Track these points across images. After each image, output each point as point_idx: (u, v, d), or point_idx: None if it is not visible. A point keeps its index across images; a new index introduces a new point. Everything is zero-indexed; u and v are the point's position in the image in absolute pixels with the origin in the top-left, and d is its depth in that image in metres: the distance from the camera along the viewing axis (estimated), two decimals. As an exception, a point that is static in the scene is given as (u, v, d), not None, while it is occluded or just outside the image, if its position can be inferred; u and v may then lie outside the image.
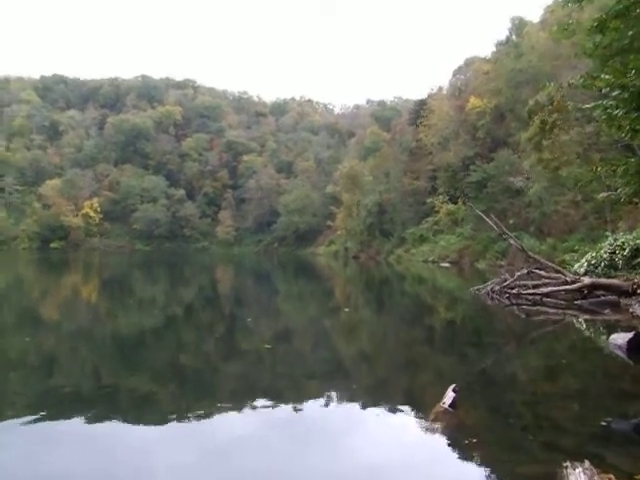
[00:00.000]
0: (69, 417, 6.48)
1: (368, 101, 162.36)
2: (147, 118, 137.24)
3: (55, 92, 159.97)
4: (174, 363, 9.68)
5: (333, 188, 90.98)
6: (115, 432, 6.08)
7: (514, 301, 17.93)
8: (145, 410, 6.92)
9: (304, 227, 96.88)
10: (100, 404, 7.05)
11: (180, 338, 12.38)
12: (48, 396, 7.32)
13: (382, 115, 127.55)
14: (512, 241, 21.86)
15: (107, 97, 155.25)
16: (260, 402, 7.13)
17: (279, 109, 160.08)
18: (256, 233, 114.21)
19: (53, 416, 6.49)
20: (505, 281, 19.51)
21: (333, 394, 7.64)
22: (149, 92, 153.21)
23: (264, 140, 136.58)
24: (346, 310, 17.55)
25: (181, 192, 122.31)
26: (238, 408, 6.97)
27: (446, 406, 6.55)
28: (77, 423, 6.28)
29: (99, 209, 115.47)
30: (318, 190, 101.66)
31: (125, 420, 6.49)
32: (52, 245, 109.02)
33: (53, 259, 61.68)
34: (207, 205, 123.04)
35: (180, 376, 8.72)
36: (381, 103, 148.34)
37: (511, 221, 38.76)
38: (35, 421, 6.24)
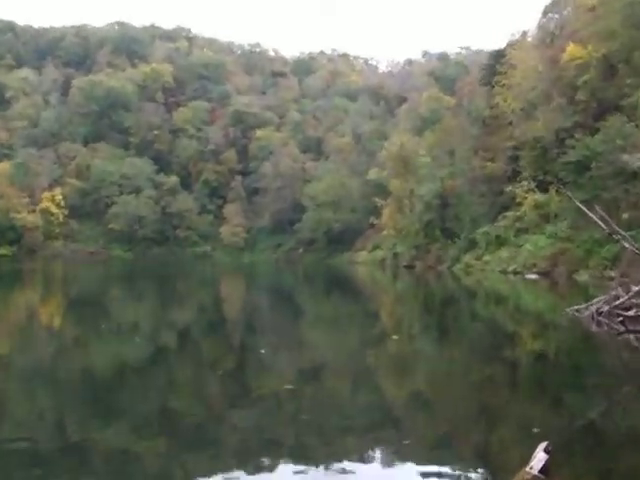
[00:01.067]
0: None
1: (425, 54, 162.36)
2: (126, 80, 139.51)
3: (2, 45, 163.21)
4: (163, 411, 9.81)
5: (378, 173, 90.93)
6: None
7: (630, 327, 17.64)
8: (124, 475, 7.03)
9: (339, 226, 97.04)
10: (63, 466, 7.18)
11: (171, 376, 12.53)
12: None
13: (444, 73, 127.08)
14: (626, 244, 21.53)
15: (72, 52, 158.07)
16: (279, 465, 7.17)
17: (303, 67, 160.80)
18: (274, 235, 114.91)
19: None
20: (617, 299, 19.21)
21: (378, 453, 7.63)
22: (128, 45, 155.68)
23: (284, 109, 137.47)
24: (395, 338, 17.51)
25: (173, 179, 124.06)
26: (249, 472, 7.03)
27: (535, 472, 6.49)
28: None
29: (63, 203, 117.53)
30: (357, 176, 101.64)
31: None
32: (0, 252, 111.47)
33: (0, 270, 63.01)
34: (208, 197, 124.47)
35: (171, 428, 8.83)
36: (442, 57, 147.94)
37: (625, 215, 38.14)
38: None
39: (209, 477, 6.93)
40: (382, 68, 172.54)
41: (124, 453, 7.67)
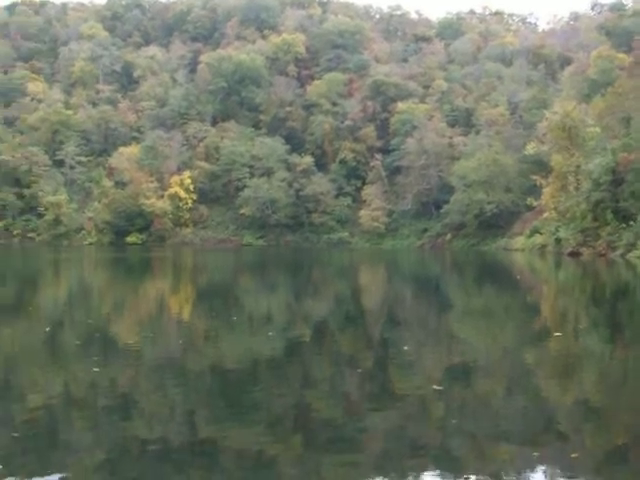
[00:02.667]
0: (145, 475, 6.92)
1: (594, 6, 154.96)
2: (256, 53, 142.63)
3: (128, 22, 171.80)
4: (298, 409, 9.96)
5: (537, 147, 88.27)
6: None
7: None
8: (256, 477, 7.20)
9: (491, 209, 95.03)
10: (194, 463, 7.45)
11: (307, 373, 12.71)
12: (123, 449, 7.89)
13: (618, 27, 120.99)
14: None
15: (200, 26, 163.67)
16: (423, 474, 7.10)
17: (450, 30, 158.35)
18: (418, 219, 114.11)
19: (129, 478, 6.98)
20: None
21: (539, 467, 7.40)
22: (257, 15, 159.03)
23: (429, 78, 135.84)
24: (558, 335, 16.96)
25: (308, 160, 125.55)
26: (391, 480, 7.02)
27: None
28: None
29: (192, 187, 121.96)
30: (513, 151, 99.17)
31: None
32: (128, 239, 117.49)
33: (130, 259, 66.45)
34: (346, 178, 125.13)
35: (306, 429, 8.96)
36: (616, 7, 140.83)
37: None
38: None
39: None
40: (542, 26, 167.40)
41: (256, 453, 7.84)
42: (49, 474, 6.97)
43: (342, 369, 13.12)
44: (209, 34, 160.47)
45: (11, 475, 6.90)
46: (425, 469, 7.26)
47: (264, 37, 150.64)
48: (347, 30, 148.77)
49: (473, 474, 7.12)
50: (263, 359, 14.15)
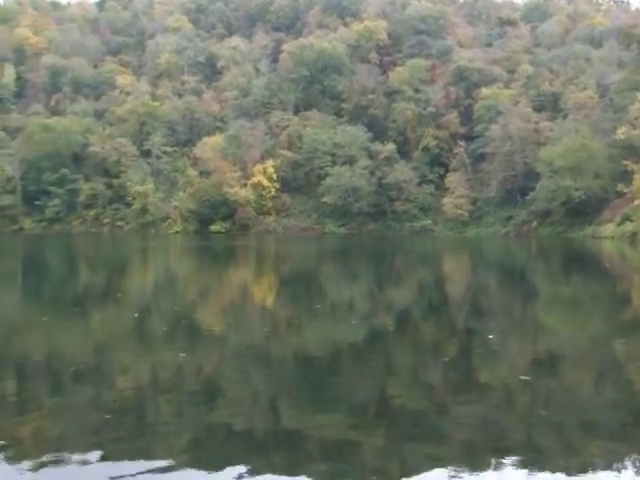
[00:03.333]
0: (234, 466, 6.99)
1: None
2: (338, 41, 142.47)
3: (212, 14, 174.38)
4: (381, 398, 9.93)
5: (628, 131, 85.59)
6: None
7: None
8: (339, 465, 7.19)
9: (579, 195, 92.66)
10: (278, 451, 7.50)
11: (390, 361, 12.67)
12: (208, 434, 8.00)
13: None
14: None
15: (282, 15, 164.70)
16: (507, 466, 6.96)
17: (537, 12, 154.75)
18: (503, 206, 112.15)
19: (215, 464, 7.07)
20: None
21: (632, 463, 7.17)
22: (339, 3, 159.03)
23: (514, 62, 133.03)
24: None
25: (390, 147, 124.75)
26: (473, 471, 6.91)
27: None
28: (246, 476, 6.76)
29: (275, 176, 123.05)
30: (603, 136, 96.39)
31: (312, 477, 6.81)
32: (213, 228, 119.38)
33: (215, 247, 67.53)
34: (428, 165, 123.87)
35: (389, 418, 8.91)
36: None
37: None
38: (193, 466, 6.86)
39: (429, 473, 6.89)
40: (636, 4, 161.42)
41: (340, 442, 7.84)
42: (137, 456, 7.13)
43: (426, 358, 13.02)
44: (291, 23, 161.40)
45: (103, 457, 7.08)
46: (511, 462, 7.13)
47: (346, 25, 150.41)
48: (430, 15, 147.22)
49: (560, 469, 6.95)
50: (346, 347, 14.16)
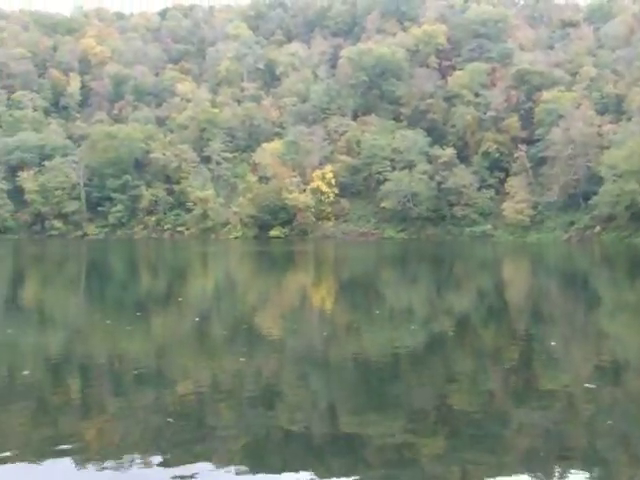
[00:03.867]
0: (293, 470, 7.01)
1: None
2: (397, 46, 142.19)
3: (271, 21, 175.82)
4: (441, 404, 9.84)
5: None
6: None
7: None
8: (398, 471, 7.15)
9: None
10: (336, 455, 7.49)
11: (450, 367, 12.55)
12: (268, 440, 8.03)
13: None
14: None
15: (340, 21, 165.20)
16: (571, 476, 6.84)
17: (600, 12, 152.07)
18: (565, 211, 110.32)
19: (274, 468, 7.10)
20: None
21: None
22: (398, 7, 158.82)
23: (576, 65, 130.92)
24: None
25: (449, 152, 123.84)
26: (540, 480, 6.81)
27: None
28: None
29: (333, 181, 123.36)
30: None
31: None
32: (272, 233, 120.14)
33: (274, 252, 67.92)
34: (488, 170, 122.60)
35: (449, 424, 8.82)
36: None
37: None
38: (252, 471, 6.91)
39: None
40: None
41: (399, 447, 7.79)
42: (198, 460, 7.20)
43: (487, 364, 12.87)
44: (349, 29, 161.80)
45: (164, 460, 7.17)
46: (575, 472, 6.99)
47: (404, 29, 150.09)
48: (490, 18, 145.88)
49: None
50: (405, 352, 14.08)
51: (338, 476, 6.98)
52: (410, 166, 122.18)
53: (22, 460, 7.16)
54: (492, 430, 8.54)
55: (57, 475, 6.73)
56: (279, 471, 6.98)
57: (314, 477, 6.85)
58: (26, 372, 11.32)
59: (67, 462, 7.06)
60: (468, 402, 9.92)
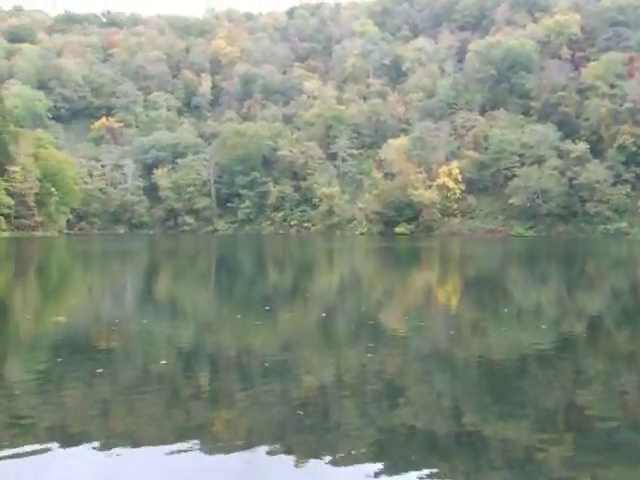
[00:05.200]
0: (416, 468, 6.99)
1: None
2: (527, 38, 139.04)
3: (397, 16, 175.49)
4: (570, 407, 9.56)
5: None
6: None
7: None
8: (522, 473, 7.00)
9: None
10: (460, 455, 7.41)
11: (581, 369, 12.17)
12: (391, 436, 8.03)
13: None
14: None
15: (468, 14, 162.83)
16: None
17: None
18: None
19: (398, 465, 7.09)
20: None
21: None
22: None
23: None
24: None
25: (582, 147, 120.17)
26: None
27: None
28: (428, 479, 6.74)
29: (460, 177, 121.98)
30: None
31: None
32: (397, 229, 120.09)
33: (399, 248, 67.77)
34: (624, 165, 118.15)
35: (579, 429, 8.55)
36: None
37: None
38: (375, 466, 6.93)
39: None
40: None
41: (525, 449, 7.63)
42: (321, 453, 7.28)
43: (620, 368, 12.38)
44: (477, 22, 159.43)
45: (288, 451, 7.30)
46: None
47: (535, 20, 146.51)
48: (629, 5, 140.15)
49: None
50: (533, 353, 13.75)
51: (462, 475, 6.91)
52: (540, 161, 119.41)
53: (154, 447, 7.45)
54: (626, 437, 8.22)
55: (186, 463, 6.97)
56: (402, 468, 6.98)
57: (437, 475, 6.81)
58: (163, 362, 11.77)
59: (196, 451, 7.29)
60: (600, 406, 9.58)
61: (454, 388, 10.57)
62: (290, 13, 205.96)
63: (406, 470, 6.96)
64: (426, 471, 6.88)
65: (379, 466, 7.02)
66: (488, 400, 9.84)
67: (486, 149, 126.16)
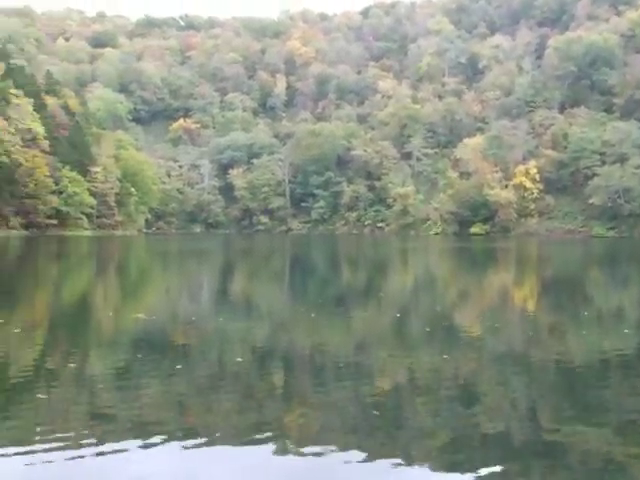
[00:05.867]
0: (490, 470, 6.91)
1: None
2: (610, 32, 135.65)
3: (474, 13, 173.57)
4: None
5: None
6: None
7: None
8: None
9: None
10: (535, 460, 7.28)
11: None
12: (465, 438, 7.94)
13: None
14: None
15: (547, 9, 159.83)
16: None
17: None
18: None
19: (471, 467, 7.02)
20: None
21: None
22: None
23: None
24: None
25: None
26: None
27: None
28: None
29: (538, 177, 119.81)
30: None
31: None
32: (472, 230, 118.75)
33: (474, 249, 67.01)
34: None
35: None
36: None
37: None
38: (448, 468, 6.87)
39: None
40: None
41: (604, 456, 7.45)
42: (394, 454, 7.27)
43: None
44: (557, 17, 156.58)
45: (360, 451, 7.31)
46: None
47: (619, 14, 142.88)
48: None
49: None
50: (616, 357, 13.41)
51: (537, 479, 6.80)
52: (622, 160, 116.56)
53: (228, 442, 7.56)
54: None
55: (258, 459, 7.05)
56: (475, 470, 6.90)
57: (512, 478, 6.72)
58: (239, 359, 11.92)
59: (269, 448, 7.36)
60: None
61: (530, 391, 10.40)
62: (365, 13, 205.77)
63: (477, 471, 6.89)
64: (499, 473, 6.80)
65: (451, 467, 6.97)
66: (566, 405, 9.64)
67: (565, 148, 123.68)
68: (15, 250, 55.71)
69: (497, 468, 7.00)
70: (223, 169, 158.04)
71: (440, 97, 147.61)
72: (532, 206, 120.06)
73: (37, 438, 7.55)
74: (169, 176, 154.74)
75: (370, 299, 23.35)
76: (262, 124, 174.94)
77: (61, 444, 7.39)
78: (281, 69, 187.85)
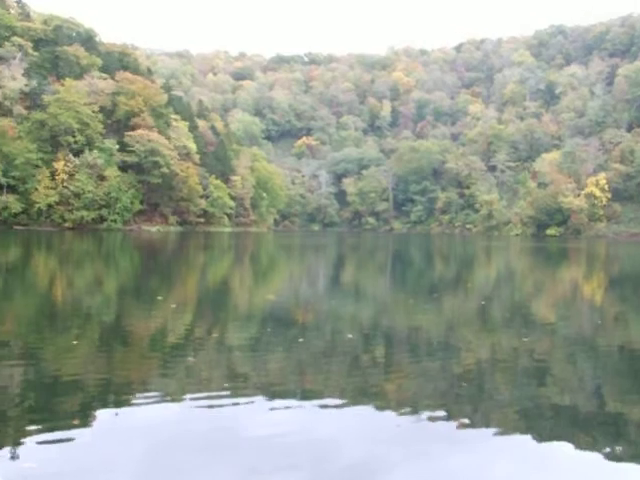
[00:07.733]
0: (559, 440, 6.68)
1: None
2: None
3: (552, 47, 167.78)
4: None
5: None
6: None
7: None
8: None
9: None
10: (601, 431, 7.01)
11: None
12: (537, 409, 7.71)
13: None
14: None
15: (617, 42, 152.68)
16: None
17: None
18: None
19: (542, 435, 6.81)
20: None
21: None
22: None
23: None
24: None
25: None
26: None
27: None
28: (571, 451, 6.42)
29: (606, 187, 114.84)
30: None
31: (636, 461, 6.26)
32: (548, 232, 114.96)
33: (549, 248, 64.85)
34: None
35: None
36: None
37: None
38: (521, 435, 6.70)
39: None
40: None
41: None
42: (475, 419, 7.14)
43: None
44: (626, 49, 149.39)
45: (447, 416, 7.21)
46: None
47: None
48: None
49: None
50: (673, 344, 12.69)
51: (600, 448, 6.53)
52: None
53: (336, 403, 7.63)
54: None
55: (362, 417, 7.10)
56: (546, 438, 6.70)
57: (579, 447, 6.49)
58: (350, 335, 11.98)
59: (369, 410, 7.40)
60: None
61: (596, 372, 9.99)
62: (458, 48, 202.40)
63: (550, 440, 6.69)
64: (565, 442, 6.58)
65: (526, 435, 6.79)
66: (628, 385, 9.21)
67: (632, 162, 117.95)
68: (173, 243, 57.83)
69: (563, 436, 6.79)
70: (338, 178, 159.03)
71: (522, 118, 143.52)
72: (601, 212, 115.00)
73: (187, 391, 7.85)
74: (293, 184, 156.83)
75: (459, 288, 22.98)
76: (370, 141, 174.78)
77: (205, 396, 7.67)
78: (387, 95, 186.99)
